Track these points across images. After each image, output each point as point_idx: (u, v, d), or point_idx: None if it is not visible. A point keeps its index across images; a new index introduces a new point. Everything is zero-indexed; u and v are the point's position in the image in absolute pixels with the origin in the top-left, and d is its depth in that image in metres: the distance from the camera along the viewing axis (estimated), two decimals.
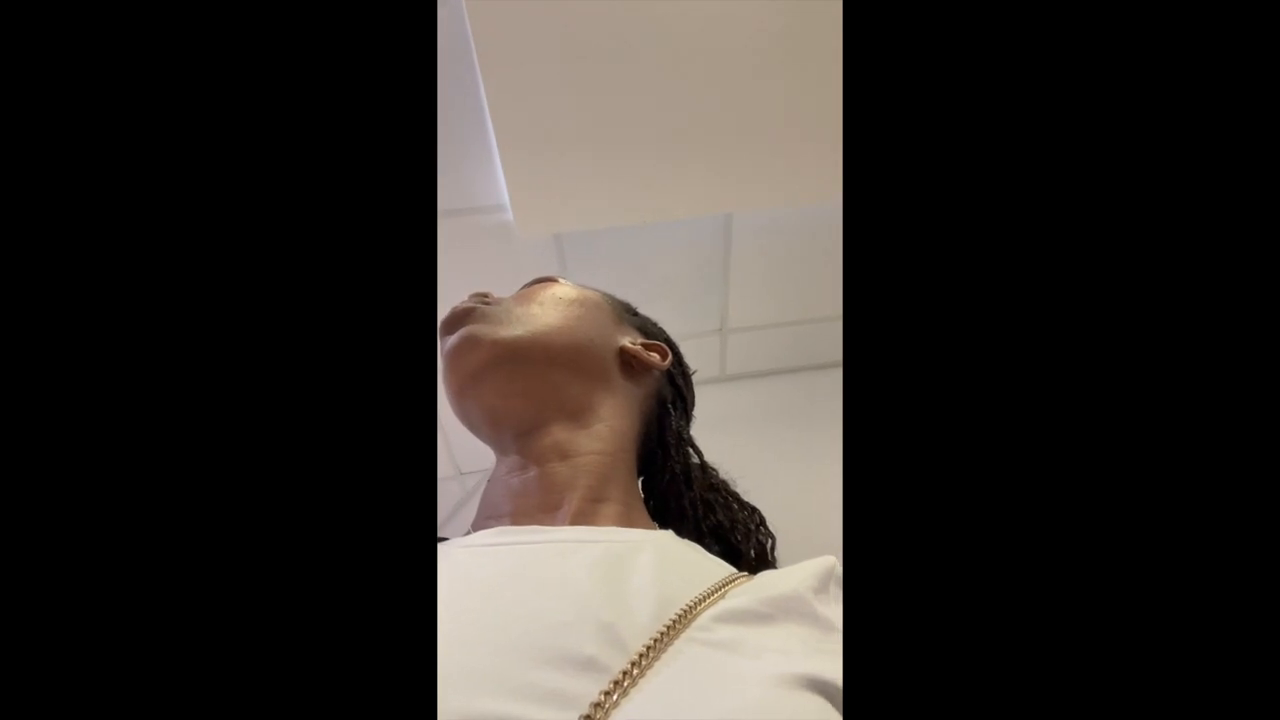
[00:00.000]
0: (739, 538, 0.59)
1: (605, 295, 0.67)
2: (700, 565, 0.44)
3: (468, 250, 1.50)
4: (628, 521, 0.49)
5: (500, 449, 0.56)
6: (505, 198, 1.38)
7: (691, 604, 0.36)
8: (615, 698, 0.30)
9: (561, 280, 0.65)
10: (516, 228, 1.39)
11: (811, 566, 0.42)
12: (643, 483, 0.61)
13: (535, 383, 0.53)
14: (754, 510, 0.64)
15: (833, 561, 0.43)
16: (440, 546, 0.45)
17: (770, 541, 0.62)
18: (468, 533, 0.50)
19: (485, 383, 0.53)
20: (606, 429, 0.54)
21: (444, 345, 0.54)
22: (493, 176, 1.37)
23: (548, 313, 0.57)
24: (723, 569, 0.44)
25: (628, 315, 0.67)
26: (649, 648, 0.33)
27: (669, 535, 0.49)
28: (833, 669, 0.33)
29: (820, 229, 1.50)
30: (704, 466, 0.64)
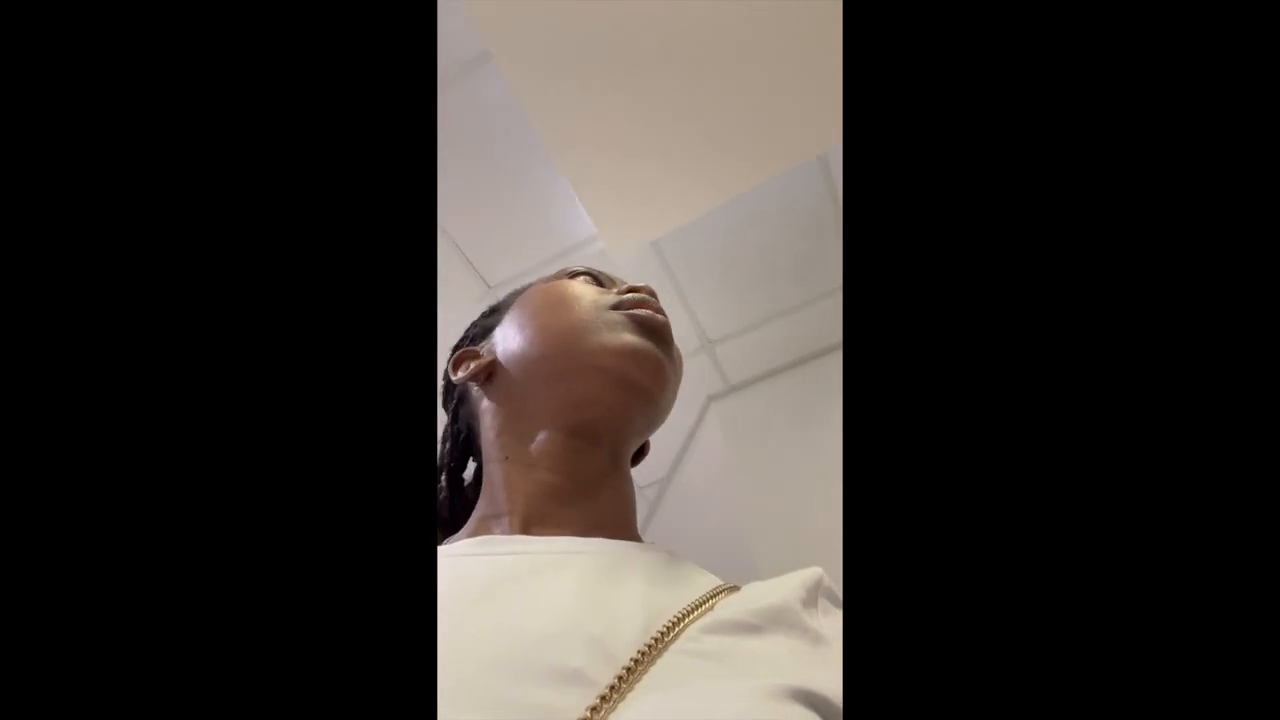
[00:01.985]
0: None
1: None
2: (689, 576, 0.43)
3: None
4: (616, 534, 0.48)
5: (551, 434, 0.51)
6: (592, 227, 1.37)
7: (680, 615, 0.36)
8: (603, 713, 0.30)
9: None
10: (609, 251, 1.38)
11: (799, 578, 0.41)
12: None
13: (641, 425, 0.54)
14: None
15: (820, 573, 0.42)
16: None
17: None
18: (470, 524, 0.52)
19: (635, 403, 0.52)
20: (629, 476, 0.56)
21: (642, 345, 0.51)
22: (577, 212, 1.37)
23: (676, 378, 0.56)
24: (711, 580, 0.44)
25: None
26: (636, 660, 0.32)
27: (656, 546, 0.48)
28: (821, 681, 0.32)
29: None
30: None
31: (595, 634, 0.33)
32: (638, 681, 0.31)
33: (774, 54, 1.15)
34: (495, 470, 0.52)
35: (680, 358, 0.56)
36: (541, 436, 0.51)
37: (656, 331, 0.53)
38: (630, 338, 0.51)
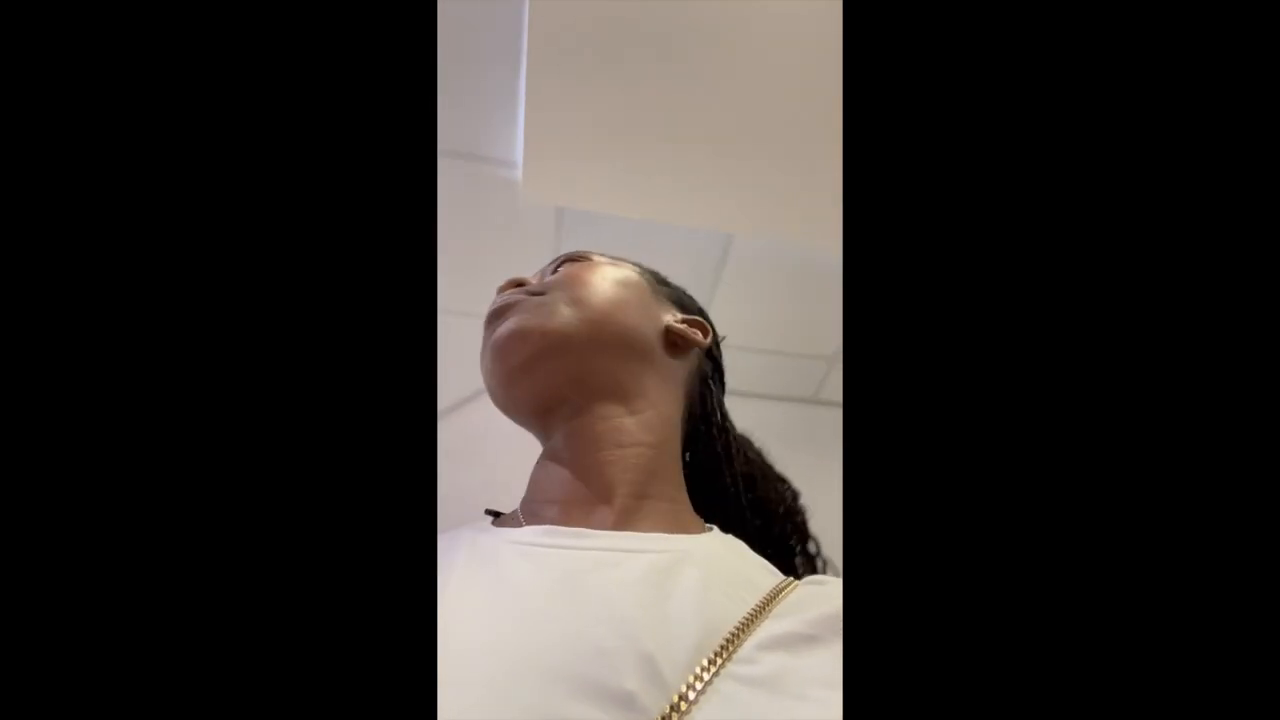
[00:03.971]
0: (774, 509, 0.60)
1: (639, 269, 0.64)
2: (746, 577, 0.44)
3: (467, 199, 1.42)
4: (673, 522, 0.49)
5: (547, 436, 0.55)
6: (518, 155, 1.38)
7: (735, 630, 0.36)
8: None
9: (596, 257, 0.61)
10: (522, 189, 1.42)
11: None
12: (686, 454, 0.60)
13: (585, 370, 0.52)
14: (786, 482, 0.64)
15: None
16: (486, 534, 0.46)
17: (801, 516, 0.62)
18: (516, 510, 0.51)
19: (536, 373, 0.52)
20: (656, 416, 0.53)
21: (489, 337, 0.54)
22: (511, 131, 1.33)
23: (594, 297, 0.55)
24: (769, 577, 0.45)
25: (662, 287, 0.63)
26: (690, 685, 0.33)
27: (714, 538, 0.49)
28: None
29: (817, 270, 1.53)
30: (737, 441, 0.63)
31: (648, 652, 0.34)
32: (688, 714, 0.32)
33: (777, 134, 1.19)
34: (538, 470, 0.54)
35: (546, 309, 0.54)
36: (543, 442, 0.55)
37: (494, 317, 0.55)
38: (484, 343, 0.55)
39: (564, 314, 0.53)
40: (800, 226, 1.35)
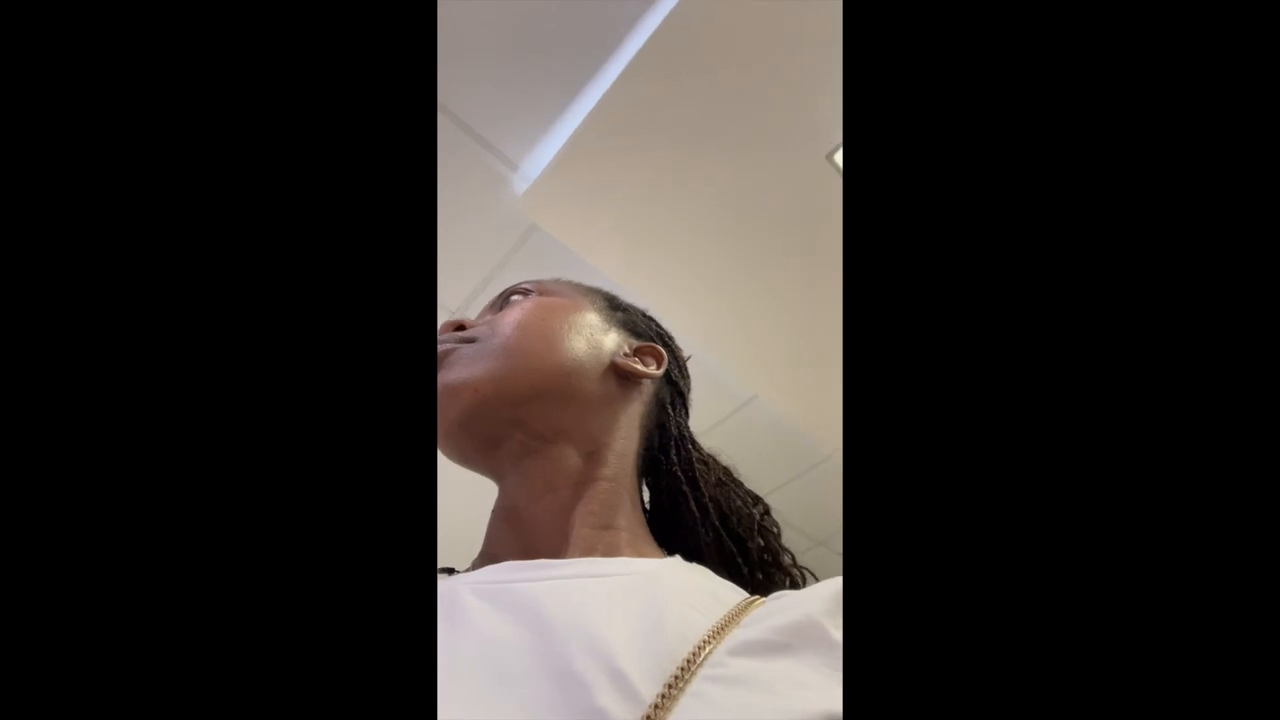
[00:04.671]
0: (743, 531, 0.58)
1: (588, 294, 0.61)
2: (711, 593, 0.44)
3: (452, 166, 1.38)
4: (634, 550, 0.49)
5: (499, 479, 0.54)
6: (532, 162, 1.33)
7: (704, 639, 0.36)
8: None
9: (539, 288, 0.59)
10: (520, 195, 1.34)
11: (824, 590, 0.40)
12: (649, 483, 0.59)
13: (525, 416, 0.51)
14: (758, 499, 0.61)
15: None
16: (444, 582, 0.45)
17: (776, 530, 0.60)
18: (472, 566, 0.50)
19: (472, 428, 0.51)
20: (610, 454, 0.53)
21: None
22: (531, 137, 1.32)
23: (531, 338, 0.53)
24: (734, 594, 0.44)
25: (614, 313, 0.60)
26: (663, 696, 0.33)
27: (677, 562, 0.48)
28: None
29: (709, 386, 1.61)
30: (705, 461, 0.61)
31: (619, 668, 0.34)
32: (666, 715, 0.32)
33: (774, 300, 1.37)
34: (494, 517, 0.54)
35: (479, 362, 0.53)
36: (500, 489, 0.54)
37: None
38: None
39: (497, 366, 0.51)
40: (727, 352, 1.49)
